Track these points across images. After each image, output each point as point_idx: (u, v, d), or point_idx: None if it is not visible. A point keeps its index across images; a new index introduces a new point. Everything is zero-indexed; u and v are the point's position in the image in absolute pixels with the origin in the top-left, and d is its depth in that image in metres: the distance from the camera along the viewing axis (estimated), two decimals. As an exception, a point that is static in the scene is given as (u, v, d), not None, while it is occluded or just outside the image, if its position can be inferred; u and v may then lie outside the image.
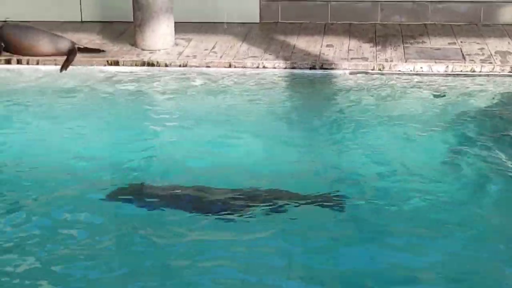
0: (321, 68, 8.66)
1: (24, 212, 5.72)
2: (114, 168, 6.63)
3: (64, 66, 8.78)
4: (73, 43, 9.12)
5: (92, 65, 8.87)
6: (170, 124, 7.46)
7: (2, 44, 9.12)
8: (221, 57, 8.92)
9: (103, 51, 9.18)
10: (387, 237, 5.36)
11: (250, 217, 5.62)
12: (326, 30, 10.03)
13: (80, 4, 10.61)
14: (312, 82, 8.45)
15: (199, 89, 8.28)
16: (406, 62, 8.66)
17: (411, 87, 8.25)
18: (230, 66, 8.72)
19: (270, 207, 5.72)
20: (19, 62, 8.97)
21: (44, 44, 9.07)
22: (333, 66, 8.67)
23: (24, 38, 9.10)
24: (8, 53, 9.06)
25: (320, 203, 5.82)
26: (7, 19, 10.55)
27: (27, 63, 8.95)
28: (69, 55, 8.91)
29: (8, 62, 8.98)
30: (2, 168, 6.55)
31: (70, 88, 8.39)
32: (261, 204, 5.76)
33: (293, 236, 5.41)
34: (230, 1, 10.24)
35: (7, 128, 7.45)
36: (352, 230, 5.51)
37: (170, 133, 7.30)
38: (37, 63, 8.92)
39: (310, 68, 8.66)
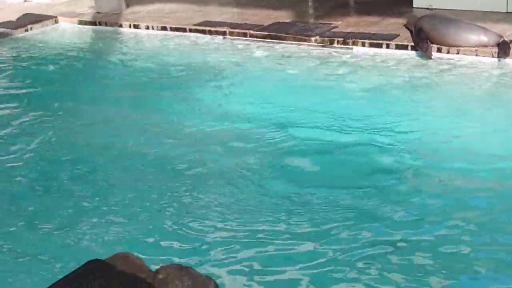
0: None
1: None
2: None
3: (502, 56, 8.68)
4: (500, 36, 8.95)
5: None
6: None
7: (423, 34, 9.17)
8: None
9: None
10: None
11: None
12: None
13: (507, -6, 10.39)
14: None
15: None
16: None
17: None
18: None
19: None
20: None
21: (468, 38, 9.00)
22: None
23: (446, 32, 9.09)
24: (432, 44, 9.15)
25: None
26: (430, 6, 10.71)
27: (448, 52, 9.04)
28: (502, 47, 8.75)
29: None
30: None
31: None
32: None
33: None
34: None
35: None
36: None
37: None
38: (457, 53, 8.97)
39: None
